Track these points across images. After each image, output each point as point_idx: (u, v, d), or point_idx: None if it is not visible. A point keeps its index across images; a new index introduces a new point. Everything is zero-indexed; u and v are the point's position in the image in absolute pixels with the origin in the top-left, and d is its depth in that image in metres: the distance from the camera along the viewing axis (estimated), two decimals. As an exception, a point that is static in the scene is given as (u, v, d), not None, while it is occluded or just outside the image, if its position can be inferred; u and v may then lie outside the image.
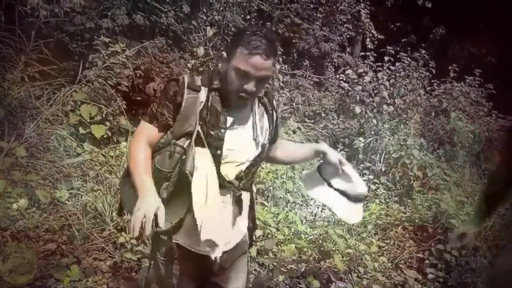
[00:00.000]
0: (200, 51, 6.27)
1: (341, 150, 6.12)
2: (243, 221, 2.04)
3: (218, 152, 1.85)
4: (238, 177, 1.93)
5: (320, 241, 3.72)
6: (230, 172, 1.91)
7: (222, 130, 1.84)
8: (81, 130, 5.03)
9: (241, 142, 1.92)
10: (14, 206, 3.45)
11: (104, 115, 5.12)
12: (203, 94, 1.84)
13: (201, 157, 1.80)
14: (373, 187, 5.06)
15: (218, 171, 1.85)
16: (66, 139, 4.87)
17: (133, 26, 6.14)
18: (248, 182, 1.98)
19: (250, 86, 1.77)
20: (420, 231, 4.30)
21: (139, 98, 5.78)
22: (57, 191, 3.83)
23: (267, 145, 2.01)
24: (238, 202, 1.96)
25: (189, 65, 6.35)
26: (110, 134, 5.22)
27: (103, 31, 5.45)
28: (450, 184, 5.24)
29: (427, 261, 3.98)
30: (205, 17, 6.72)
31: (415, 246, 4.17)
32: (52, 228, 3.36)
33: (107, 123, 5.17)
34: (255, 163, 1.98)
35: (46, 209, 3.64)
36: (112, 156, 4.96)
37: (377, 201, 4.81)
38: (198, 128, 1.81)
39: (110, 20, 5.37)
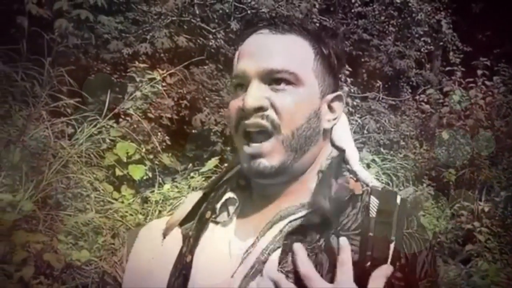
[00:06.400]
0: (255, 76, 5.49)
1: (428, 186, 5.13)
2: None
3: None
4: None
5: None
6: None
7: None
8: (118, 172, 4.36)
9: None
10: (15, 276, 2.70)
11: (143, 154, 4.42)
12: None
13: None
14: (481, 237, 3.86)
15: None
16: (102, 182, 4.23)
17: (180, 52, 5.49)
18: None
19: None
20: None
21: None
22: (74, 252, 3.07)
23: None
24: None
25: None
26: (151, 175, 4.52)
27: (142, 57, 4.79)
28: None
29: None
30: (260, 38, 5.94)
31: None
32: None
33: (147, 162, 4.47)
34: None
35: (58, 277, 2.88)
36: (153, 202, 4.25)
37: (489, 256, 3.63)
38: None
39: (150, 45, 4.68)
